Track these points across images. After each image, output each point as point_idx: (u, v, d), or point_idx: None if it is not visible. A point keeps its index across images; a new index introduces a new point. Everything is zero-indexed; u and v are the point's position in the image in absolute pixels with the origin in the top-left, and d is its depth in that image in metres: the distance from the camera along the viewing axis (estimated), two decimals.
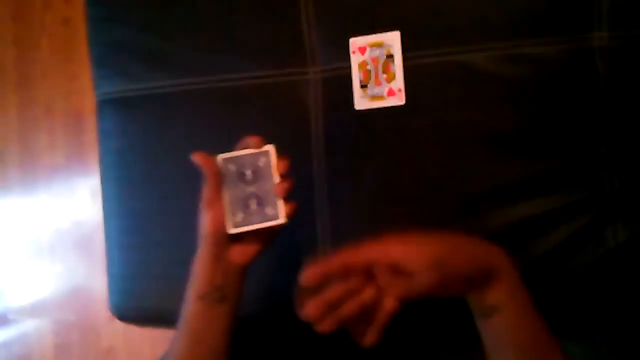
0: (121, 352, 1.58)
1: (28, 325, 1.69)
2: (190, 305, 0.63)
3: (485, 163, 0.77)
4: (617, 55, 0.73)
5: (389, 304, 0.53)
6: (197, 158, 0.61)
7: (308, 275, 0.51)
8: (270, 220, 0.63)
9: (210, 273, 0.62)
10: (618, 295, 0.75)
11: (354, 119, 0.81)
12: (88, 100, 0.97)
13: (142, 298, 0.94)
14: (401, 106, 0.78)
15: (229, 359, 0.64)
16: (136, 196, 0.93)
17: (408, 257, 0.52)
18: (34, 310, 1.69)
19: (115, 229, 0.96)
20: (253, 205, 0.63)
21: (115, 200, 0.96)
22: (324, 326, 0.52)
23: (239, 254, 0.64)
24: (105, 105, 0.96)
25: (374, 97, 0.79)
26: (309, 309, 0.51)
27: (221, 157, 0.63)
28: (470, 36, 0.77)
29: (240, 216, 0.62)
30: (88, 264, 1.63)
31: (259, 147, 0.63)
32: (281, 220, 0.63)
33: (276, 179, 0.63)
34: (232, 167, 0.63)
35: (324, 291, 0.52)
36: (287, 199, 0.63)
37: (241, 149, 0.64)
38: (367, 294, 0.53)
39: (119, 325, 1.40)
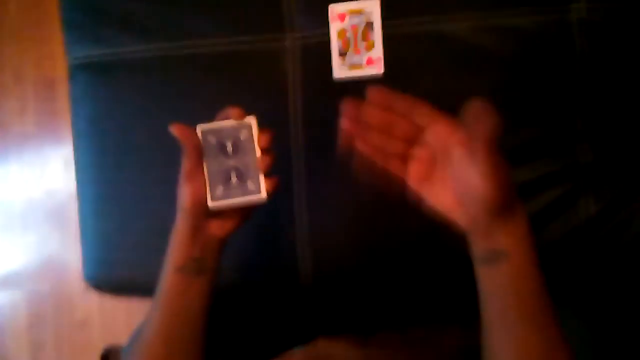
0: (96, 323, 1.57)
1: (0, 297, 1.67)
2: (167, 277, 0.62)
3: None
4: (594, 29, 0.74)
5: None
6: (175, 130, 0.60)
7: (349, 105, 0.53)
8: (251, 194, 0.62)
9: (188, 245, 0.61)
10: (586, 268, 0.77)
11: (332, 88, 0.80)
12: (60, 65, 0.94)
13: (117, 267, 0.93)
14: (380, 76, 0.78)
15: (205, 331, 0.64)
16: (111, 164, 0.91)
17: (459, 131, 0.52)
18: (6, 282, 1.66)
19: (89, 197, 0.94)
20: (234, 178, 0.62)
21: (89, 168, 0.94)
22: (361, 144, 0.54)
23: (218, 227, 0.63)
24: (78, 70, 0.93)
25: (353, 66, 0.78)
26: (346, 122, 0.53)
27: (201, 128, 0.61)
28: (450, 6, 0.76)
29: (220, 189, 0.61)
30: (61, 235, 1.61)
31: (241, 118, 0.62)
32: (262, 195, 0.62)
33: (258, 152, 0.62)
34: (212, 139, 0.61)
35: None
36: (268, 173, 0.62)
37: (221, 120, 0.62)
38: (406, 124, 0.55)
39: (94, 296, 1.39)
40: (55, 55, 0.92)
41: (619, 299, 0.78)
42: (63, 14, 0.93)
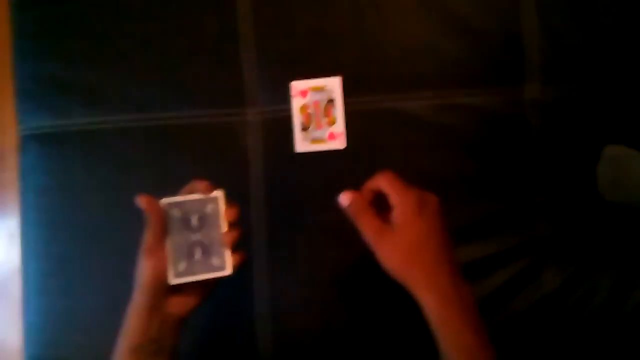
0: None
1: None
2: (121, 358, 0.59)
3: None
4: (547, 108, 0.77)
5: None
6: (142, 201, 0.59)
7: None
8: (216, 271, 0.60)
9: (145, 325, 0.58)
10: (553, 339, 0.77)
11: (294, 162, 0.80)
12: (9, 137, 0.91)
13: (62, 348, 0.87)
14: (342, 150, 0.79)
15: None
16: (58, 238, 0.88)
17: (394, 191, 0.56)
18: None
19: (34, 274, 0.89)
20: (198, 254, 0.60)
21: (35, 243, 0.89)
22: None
23: (178, 305, 0.60)
24: (30, 140, 0.90)
25: (315, 140, 0.79)
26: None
27: (166, 201, 0.60)
28: (408, 84, 0.79)
29: (183, 265, 0.59)
30: (2, 313, 1.50)
31: (208, 192, 0.61)
32: (227, 271, 0.60)
33: (224, 227, 0.61)
34: (176, 213, 0.60)
35: None
36: (234, 248, 0.61)
37: (187, 194, 0.61)
38: None
39: None
40: (5, 126, 0.88)
41: None
42: (17, 83, 0.91)
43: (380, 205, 0.58)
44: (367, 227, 0.57)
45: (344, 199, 0.58)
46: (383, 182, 0.58)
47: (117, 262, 0.83)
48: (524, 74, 0.77)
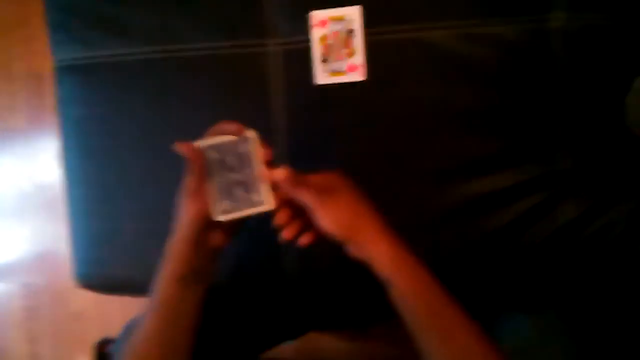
0: (91, 315, 1.59)
1: None
2: (165, 287, 0.64)
3: (443, 140, 0.78)
4: (573, 38, 0.74)
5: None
6: (182, 148, 0.62)
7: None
8: (258, 206, 0.64)
9: (189, 256, 0.63)
10: (569, 271, 0.78)
11: (314, 93, 0.80)
12: (48, 61, 0.94)
13: (108, 266, 0.94)
14: (362, 82, 0.78)
15: (196, 333, 0.66)
16: (99, 165, 0.92)
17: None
18: (1, 274, 1.68)
19: (78, 198, 0.95)
20: (238, 192, 0.64)
21: (77, 169, 0.95)
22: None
23: (218, 238, 0.65)
24: (64, 71, 0.93)
25: (335, 72, 0.79)
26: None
27: (203, 144, 0.63)
28: (430, 14, 0.76)
29: (226, 203, 0.63)
30: (55, 227, 1.62)
31: (240, 133, 0.63)
32: (270, 206, 0.64)
33: (260, 164, 0.64)
34: (214, 155, 0.63)
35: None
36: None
37: (215, 135, 0.64)
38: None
39: None
40: (44, 51, 0.92)
41: (601, 301, 0.80)
42: (48, 16, 0.93)
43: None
44: (306, 196, 0.60)
45: (278, 173, 0.61)
46: (300, 194, 0.61)
47: (152, 186, 0.88)
48: (551, 1, 0.73)
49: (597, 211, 0.77)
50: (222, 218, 0.63)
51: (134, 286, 0.92)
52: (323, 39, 0.78)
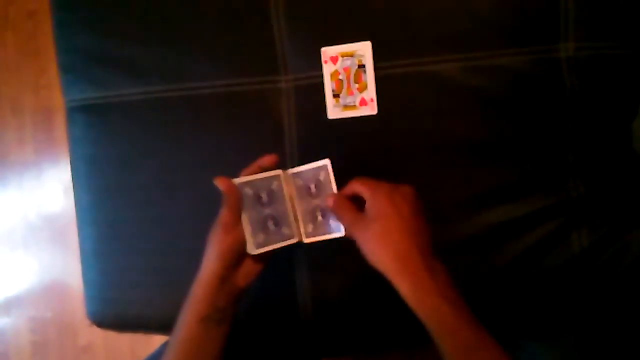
0: (99, 349, 1.58)
1: (4, 323, 1.68)
2: (188, 325, 0.64)
3: (455, 171, 0.79)
4: (583, 66, 0.75)
5: None
6: (220, 183, 0.64)
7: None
8: (288, 239, 0.68)
9: (214, 295, 0.63)
10: (584, 298, 0.78)
11: (327, 128, 0.81)
12: (57, 94, 0.95)
13: (120, 305, 0.94)
14: (374, 116, 0.79)
15: None
16: (110, 205, 0.92)
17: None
18: (9, 307, 1.67)
19: (90, 237, 0.95)
20: (271, 226, 0.67)
21: (89, 209, 0.95)
22: None
23: (244, 275, 0.66)
24: (75, 111, 0.94)
25: (347, 107, 0.80)
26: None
27: (239, 181, 0.66)
28: (439, 47, 0.77)
29: (261, 237, 0.66)
30: (63, 259, 1.62)
31: (275, 163, 0.68)
32: (297, 238, 0.69)
33: (288, 200, 0.68)
34: (249, 191, 0.66)
35: None
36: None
37: (255, 167, 0.67)
38: None
39: None
40: (53, 85, 0.93)
41: (617, 328, 0.80)
42: (59, 57, 0.94)
43: (360, 206, 0.63)
44: (346, 219, 0.63)
45: (329, 201, 0.65)
46: (356, 184, 0.64)
47: (164, 225, 0.89)
48: (559, 32, 0.75)
49: (611, 237, 0.77)
50: (257, 251, 0.64)
51: (145, 324, 0.92)
52: (334, 74, 0.79)
